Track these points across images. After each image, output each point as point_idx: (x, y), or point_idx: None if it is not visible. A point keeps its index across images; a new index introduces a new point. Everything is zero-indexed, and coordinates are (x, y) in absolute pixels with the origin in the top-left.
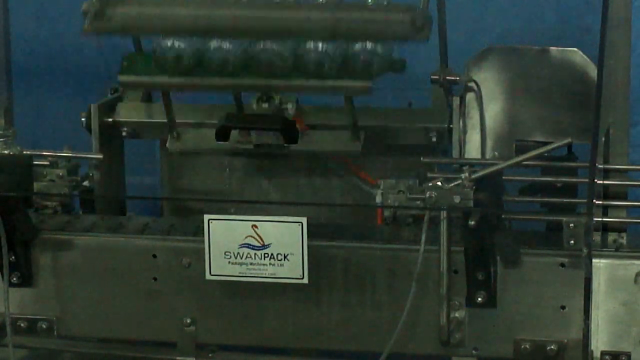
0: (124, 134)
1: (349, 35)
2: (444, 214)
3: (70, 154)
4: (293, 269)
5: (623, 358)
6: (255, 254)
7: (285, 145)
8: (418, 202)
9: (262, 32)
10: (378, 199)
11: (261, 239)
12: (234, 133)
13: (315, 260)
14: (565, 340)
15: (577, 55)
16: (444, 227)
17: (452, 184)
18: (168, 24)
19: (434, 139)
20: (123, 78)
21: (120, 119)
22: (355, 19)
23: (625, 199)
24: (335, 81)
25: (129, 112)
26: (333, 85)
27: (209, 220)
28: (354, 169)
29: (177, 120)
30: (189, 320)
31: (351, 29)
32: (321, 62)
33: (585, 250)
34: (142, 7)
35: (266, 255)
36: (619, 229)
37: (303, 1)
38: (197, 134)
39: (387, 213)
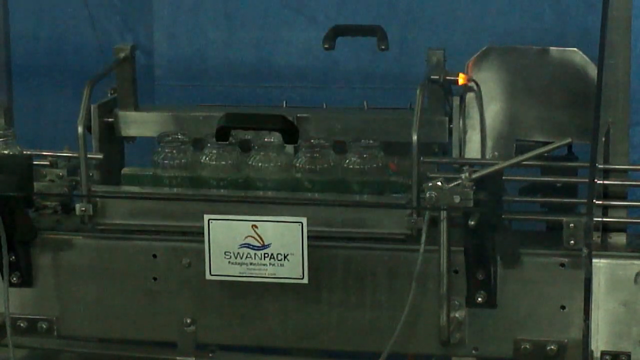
0: None
1: None
2: (444, 214)
3: (70, 154)
4: (293, 269)
5: (623, 358)
6: (255, 254)
7: None
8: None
9: None
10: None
11: (261, 239)
12: None
13: (315, 260)
14: (565, 340)
15: (577, 55)
16: (444, 227)
17: (452, 184)
18: None
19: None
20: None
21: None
22: None
23: (625, 199)
24: None
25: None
26: None
27: (209, 220)
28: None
29: None
30: (189, 320)
31: None
32: None
33: (585, 250)
34: None
35: (266, 255)
36: (619, 229)
37: None
38: None
39: None
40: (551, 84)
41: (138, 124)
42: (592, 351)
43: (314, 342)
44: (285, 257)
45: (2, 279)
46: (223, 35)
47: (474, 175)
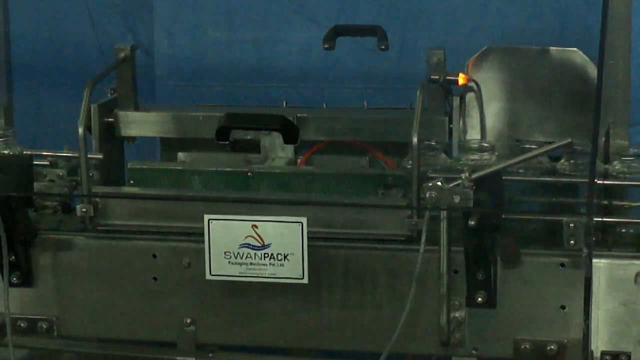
0: None
1: None
2: (444, 214)
3: (70, 154)
4: (293, 269)
5: (623, 358)
6: (255, 254)
7: None
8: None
9: None
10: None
11: (261, 239)
12: None
13: (315, 260)
14: (565, 340)
15: (577, 55)
16: (444, 227)
17: (452, 184)
18: None
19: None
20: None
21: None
22: None
23: (625, 199)
24: None
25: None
26: None
27: (209, 220)
28: (374, 151)
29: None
30: (189, 320)
31: None
32: None
33: (585, 250)
34: None
35: (266, 255)
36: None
37: None
38: None
39: None
40: (551, 84)
41: (138, 124)
42: (592, 351)
43: (314, 342)
44: (285, 257)
45: (2, 279)
46: (223, 35)
47: (474, 175)
